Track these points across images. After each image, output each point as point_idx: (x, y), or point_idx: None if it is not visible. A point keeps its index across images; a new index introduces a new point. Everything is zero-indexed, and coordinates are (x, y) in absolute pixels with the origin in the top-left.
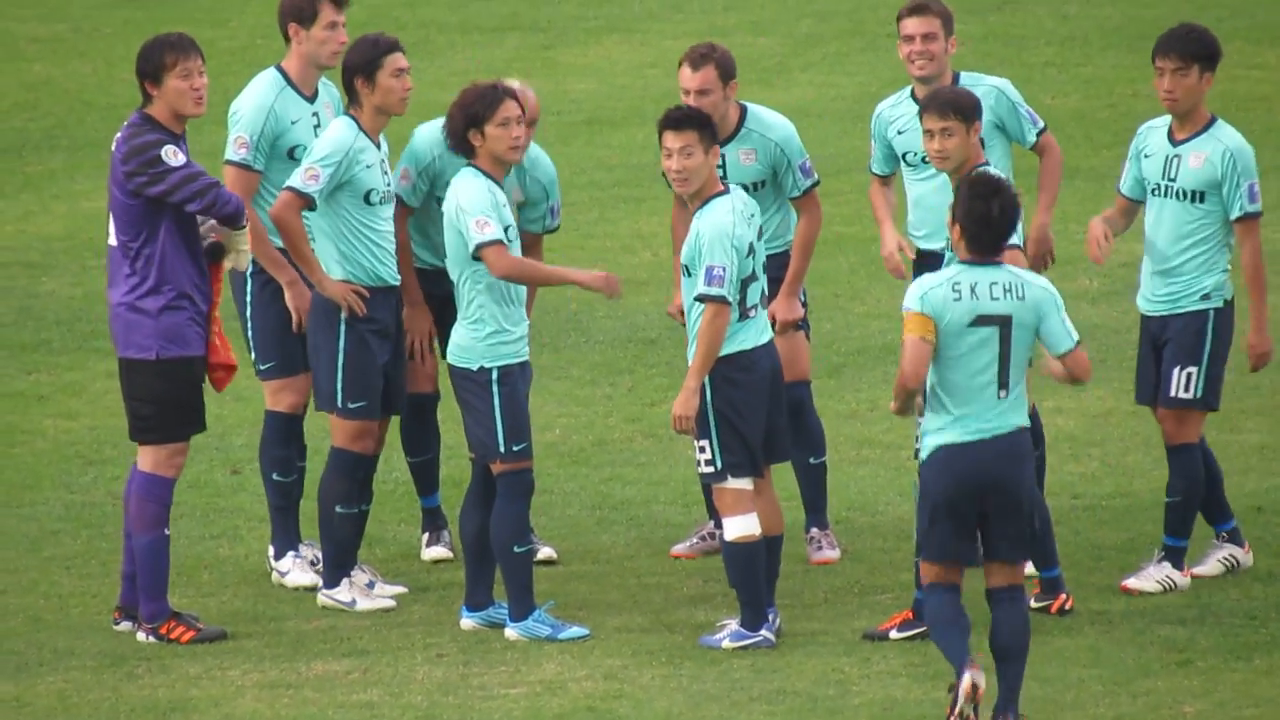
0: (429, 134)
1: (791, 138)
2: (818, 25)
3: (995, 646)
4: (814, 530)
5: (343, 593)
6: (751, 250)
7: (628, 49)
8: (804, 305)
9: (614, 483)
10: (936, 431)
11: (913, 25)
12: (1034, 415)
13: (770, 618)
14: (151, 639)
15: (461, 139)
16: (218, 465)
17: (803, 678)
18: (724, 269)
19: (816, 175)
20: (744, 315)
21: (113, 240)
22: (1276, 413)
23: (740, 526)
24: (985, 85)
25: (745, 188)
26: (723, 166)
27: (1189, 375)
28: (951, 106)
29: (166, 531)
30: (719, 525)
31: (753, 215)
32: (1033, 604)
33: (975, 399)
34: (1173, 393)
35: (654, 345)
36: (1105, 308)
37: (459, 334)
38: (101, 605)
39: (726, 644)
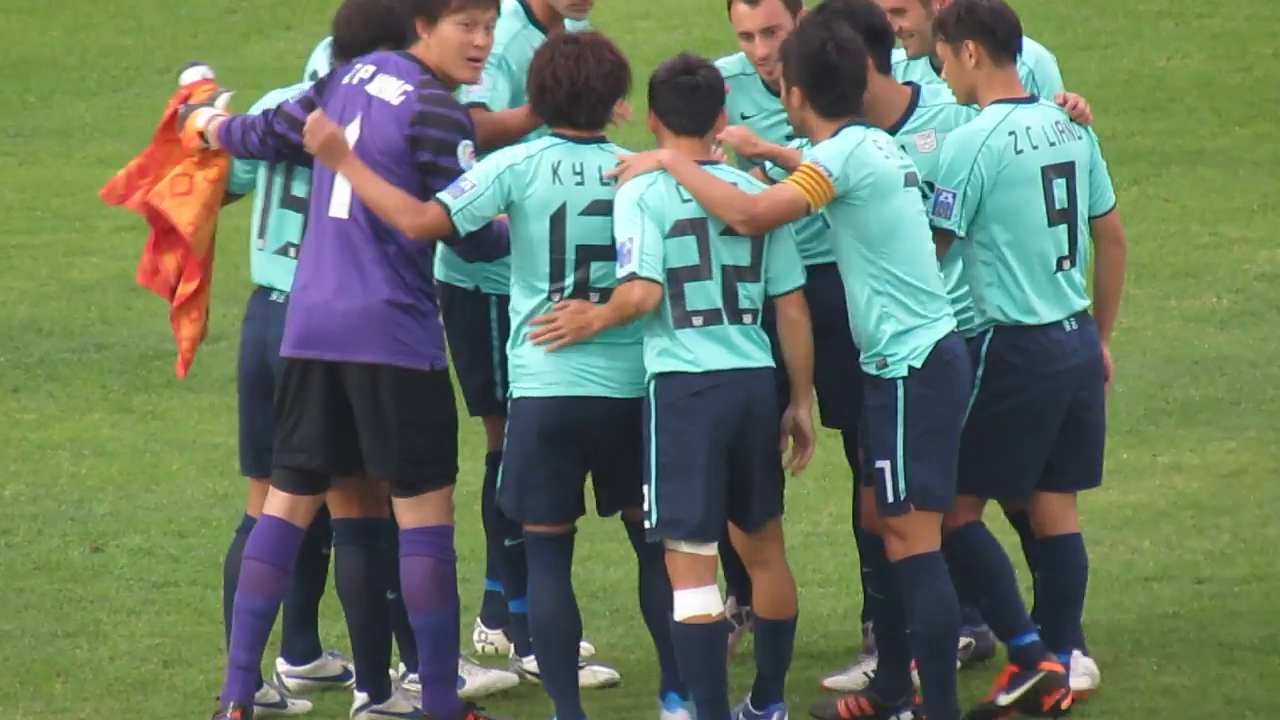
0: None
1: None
2: None
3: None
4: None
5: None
6: (697, 231)
7: None
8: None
9: (594, 563)
10: (914, 331)
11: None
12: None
13: (776, 717)
14: None
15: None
16: (73, 540)
17: None
18: (630, 240)
19: None
20: (683, 322)
21: (343, 212)
22: None
23: (689, 603)
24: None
25: None
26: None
27: None
28: None
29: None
30: (741, 601)
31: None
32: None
33: (935, 283)
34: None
35: None
36: (1238, 333)
37: (634, 358)
38: None
39: None
